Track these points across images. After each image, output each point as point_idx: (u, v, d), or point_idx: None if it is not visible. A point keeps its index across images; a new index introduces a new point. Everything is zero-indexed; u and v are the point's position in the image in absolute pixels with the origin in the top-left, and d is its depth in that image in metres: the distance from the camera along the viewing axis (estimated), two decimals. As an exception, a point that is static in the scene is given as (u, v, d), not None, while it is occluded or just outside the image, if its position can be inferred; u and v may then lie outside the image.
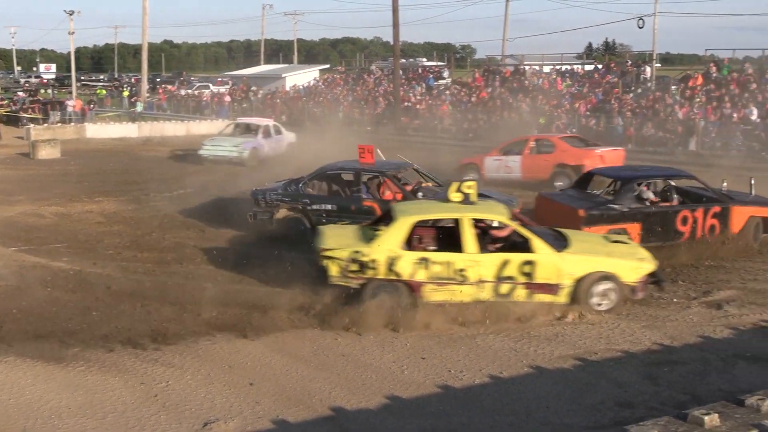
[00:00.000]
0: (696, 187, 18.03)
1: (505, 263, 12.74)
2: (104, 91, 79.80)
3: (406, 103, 46.27)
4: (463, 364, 10.79)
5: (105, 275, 15.22)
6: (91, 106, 59.01)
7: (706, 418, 6.11)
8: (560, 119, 38.61)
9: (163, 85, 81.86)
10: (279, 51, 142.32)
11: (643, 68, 43.69)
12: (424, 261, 12.74)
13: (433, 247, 13.50)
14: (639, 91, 40.56)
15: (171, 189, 25.70)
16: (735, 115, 33.24)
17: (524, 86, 44.99)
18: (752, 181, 18.57)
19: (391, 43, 46.32)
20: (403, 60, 65.34)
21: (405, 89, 48.86)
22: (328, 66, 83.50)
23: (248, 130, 35.08)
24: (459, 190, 13.75)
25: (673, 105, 36.19)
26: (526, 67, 48.92)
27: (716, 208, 17.07)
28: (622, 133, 35.18)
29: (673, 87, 39.13)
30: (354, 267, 12.81)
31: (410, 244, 13.15)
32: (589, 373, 10.44)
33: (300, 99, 54.93)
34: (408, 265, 12.71)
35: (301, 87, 59.20)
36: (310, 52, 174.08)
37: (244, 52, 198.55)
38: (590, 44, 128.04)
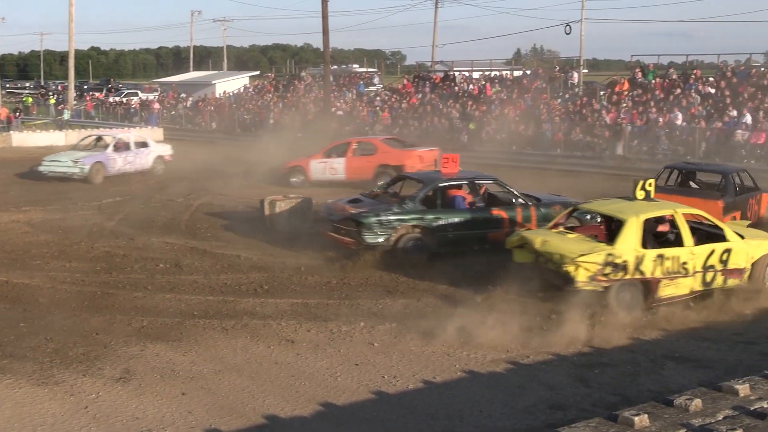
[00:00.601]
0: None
1: (711, 253, 13.70)
2: (31, 99, 78.52)
3: (338, 111, 46.27)
4: (396, 369, 10.82)
5: (33, 286, 14.97)
6: (17, 114, 58.01)
7: (636, 418, 6.20)
8: (490, 125, 38.91)
9: (91, 93, 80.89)
10: (208, 57, 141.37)
11: (570, 74, 44.23)
12: (660, 257, 13.29)
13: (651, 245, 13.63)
14: (567, 96, 41.05)
15: (100, 198, 25.38)
16: (660, 119, 33.82)
17: (454, 92, 45.27)
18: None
19: (321, 49, 46.26)
20: (336, 66, 65.35)
21: (335, 95, 48.84)
22: (258, 73, 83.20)
23: (100, 142, 32.38)
24: (643, 188, 14.45)
25: (600, 110, 36.70)
26: (456, 73, 49.19)
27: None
28: (550, 138, 35.60)
29: (601, 92, 39.69)
30: (608, 270, 12.97)
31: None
32: (521, 377, 10.53)
33: (229, 106, 54.58)
34: (650, 263, 13.19)
35: (231, 94, 58.85)
36: (240, 59, 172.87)
37: (173, 58, 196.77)
38: (519, 50, 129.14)
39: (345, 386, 10.27)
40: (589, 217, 16.50)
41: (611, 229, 14.49)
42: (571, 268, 12.92)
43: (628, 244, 13.14)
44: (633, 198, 14.40)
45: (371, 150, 28.39)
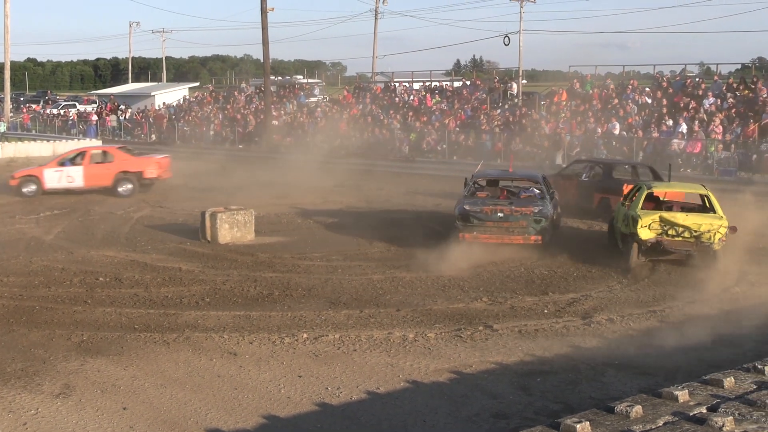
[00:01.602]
0: None
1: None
2: (-36, 112, 77.29)
3: (275, 122, 46.17)
4: (339, 380, 10.80)
5: (-31, 301, 14.73)
6: (-48, 126, 57.11)
7: (578, 426, 6.26)
8: (430, 135, 39.08)
9: (28, 105, 79.86)
10: (147, 69, 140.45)
11: (509, 84, 44.59)
12: None
13: None
14: (506, 107, 41.37)
15: (37, 211, 25.05)
16: (599, 129, 34.23)
17: (395, 103, 45.41)
18: None
19: (262, 60, 46.18)
20: (280, 77, 65.24)
21: (276, 106, 48.74)
22: (197, 84, 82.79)
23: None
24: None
25: (539, 120, 37.06)
26: (396, 84, 49.36)
27: None
28: (491, 148, 35.85)
29: (540, 102, 40.08)
30: (725, 232, 17.00)
31: None
32: (464, 386, 10.57)
33: (166, 117, 54.20)
34: None
35: (172, 105, 58.47)
36: (179, 70, 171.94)
37: (111, 70, 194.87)
38: (458, 61, 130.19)
39: (288, 398, 10.23)
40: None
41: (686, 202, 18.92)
42: (710, 235, 16.73)
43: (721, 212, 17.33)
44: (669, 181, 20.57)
45: (108, 158, 30.00)
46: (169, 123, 52.99)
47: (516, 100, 42.49)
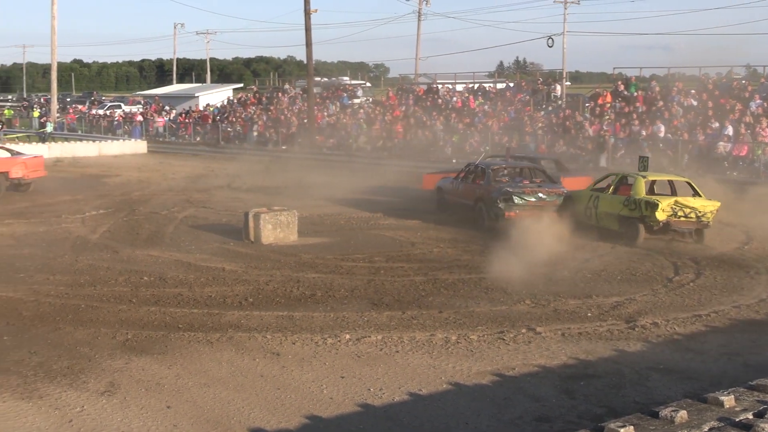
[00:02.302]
0: None
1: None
2: (11, 112, 78.30)
3: (326, 122, 46.32)
4: (382, 381, 10.80)
5: (16, 299, 14.90)
6: (0, 126, 57.87)
7: (622, 430, 6.21)
8: (473, 137, 39.01)
9: (74, 105, 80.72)
10: (192, 70, 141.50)
11: (553, 86, 44.43)
12: None
13: None
14: (550, 108, 41.20)
15: (83, 210, 25.30)
16: (643, 131, 33.98)
17: (437, 104, 45.37)
18: None
19: (305, 62, 46.33)
20: (326, 79, 65.46)
21: (319, 108, 48.88)
22: (241, 85, 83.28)
23: None
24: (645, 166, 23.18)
25: (583, 122, 36.85)
26: (439, 86, 49.31)
27: None
28: (534, 150, 35.69)
29: (584, 104, 39.87)
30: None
31: None
32: (507, 389, 10.52)
33: (212, 118, 54.55)
34: None
35: (216, 106, 58.84)
36: (223, 72, 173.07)
37: (156, 71, 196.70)
38: (501, 63, 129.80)
39: (331, 399, 10.25)
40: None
41: (672, 187, 21.37)
42: (709, 215, 19.97)
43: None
44: (645, 170, 22.63)
45: None
46: (213, 124, 53.33)
47: (560, 102, 42.34)
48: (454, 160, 35.07)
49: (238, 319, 13.63)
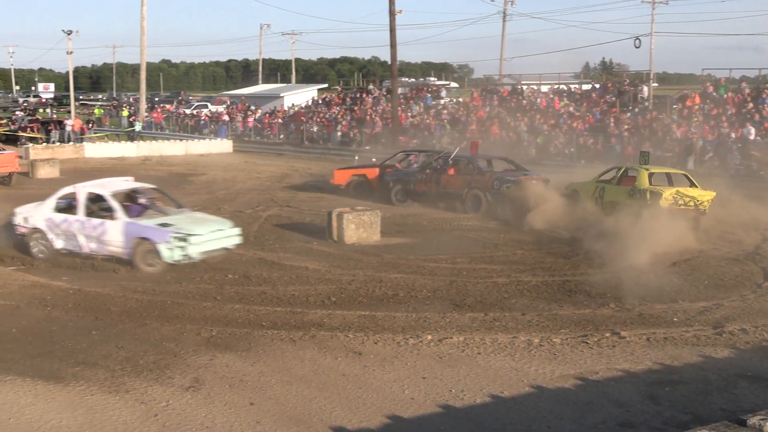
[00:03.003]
0: None
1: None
2: (101, 111, 79.90)
3: (409, 122, 46.34)
4: (464, 383, 10.77)
5: (104, 295, 15.21)
6: (90, 125, 59.06)
7: (709, 438, 6.10)
8: (558, 138, 38.68)
9: (162, 105, 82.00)
10: (277, 70, 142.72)
11: (640, 87, 43.77)
12: None
13: None
14: (636, 110, 40.64)
15: (170, 208, 25.65)
16: (732, 134, 33.32)
17: (522, 105, 45.08)
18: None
19: (389, 62, 46.39)
20: (412, 79, 65.49)
21: (403, 108, 48.92)
22: (326, 85, 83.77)
23: None
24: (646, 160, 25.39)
25: (670, 124, 36.28)
26: (524, 87, 48.99)
27: None
28: (620, 152, 35.26)
29: (672, 106, 39.25)
30: None
31: None
32: (590, 393, 10.41)
33: (302, 116, 54.99)
34: None
35: (301, 106, 59.28)
36: (308, 72, 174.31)
37: (242, 71, 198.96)
38: (587, 64, 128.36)
39: (412, 399, 10.25)
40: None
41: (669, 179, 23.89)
42: (706, 204, 21.84)
43: None
44: (646, 164, 24.69)
45: None
46: (297, 124, 53.74)
47: (646, 104, 41.68)
48: (373, 159, 36.48)
49: (320, 317, 13.71)
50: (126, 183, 19.93)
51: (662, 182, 23.63)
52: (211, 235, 17.62)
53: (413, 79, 65.55)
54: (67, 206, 18.59)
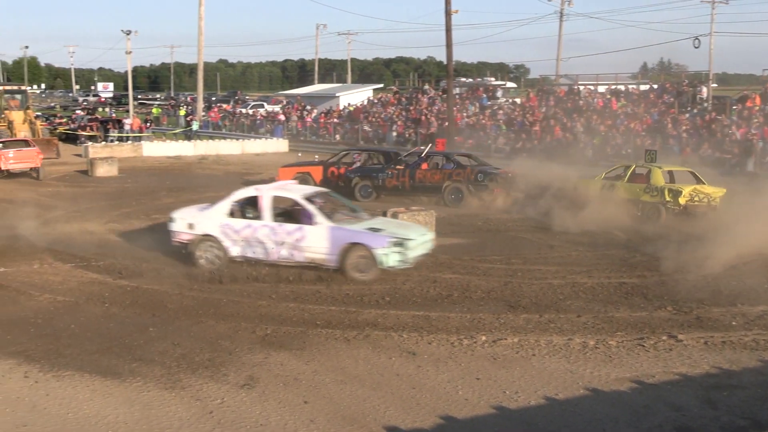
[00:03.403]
0: None
1: None
2: (159, 110, 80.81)
3: (465, 122, 46.24)
4: (518, 385, 10.72)
5: (162, 292, 15.37)
6: (148, 124, 59.73)
7: (769, 443, 6.01)
8: (615, 139, 38.36)
9: (219, 104, 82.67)
10: (333, 70, 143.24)
11: (699, 88, 43.30)
12: None
13: None
14: (695, 111, 40.17)
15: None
16: (794, 135, 32.82)
17: (578, 106, 44.79)
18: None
19: (445, 62, 46.29)
20: (470, 79, 65.36)
21: (458, 109, 48.84)
22: (381, 85, 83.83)
23: None
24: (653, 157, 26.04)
25: (730, 125, 35.81)
26: (581, 87, 48.68)
27: None
28: (678, 153, 34.89)
29: (732, 107, 38.75)
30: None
31: None
32: (646, 396, 10.31)
33: (359, 114, 55.10)
34: None
35: (356, 106, 59.41)
36: (363, 72, 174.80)
37: (298, 71, 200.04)
38: (645, 64, 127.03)
39: (466, 400, 10.22)
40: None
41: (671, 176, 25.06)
42: (717, 200, 23.17)
43: None
44: (653, 162, 25.40)
45: None
46: (352, 124, 53.87)
47: (705, 105, 41.22)
48: (316, 156, 38.77)
49: (375, 317, 13.73)
50: (306, 187, 19.82)
51: (671, 179, 24.96)
52: (420, 239, 17.11)
53: (471, 79, 65.35)
54: (245, 210, 17.66)
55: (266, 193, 17.42)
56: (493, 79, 64.32)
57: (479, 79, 66.25)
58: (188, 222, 17.68)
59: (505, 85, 59.46)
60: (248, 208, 17.58)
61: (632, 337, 12.64)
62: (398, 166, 28.53)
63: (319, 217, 16.80)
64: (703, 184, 23.87)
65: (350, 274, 16.28)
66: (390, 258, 16.17)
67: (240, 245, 17.16)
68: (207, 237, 17.37)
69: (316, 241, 16.60)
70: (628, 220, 22.43)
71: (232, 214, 17.45)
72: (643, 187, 24.31)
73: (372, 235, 16.48)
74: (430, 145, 32.56)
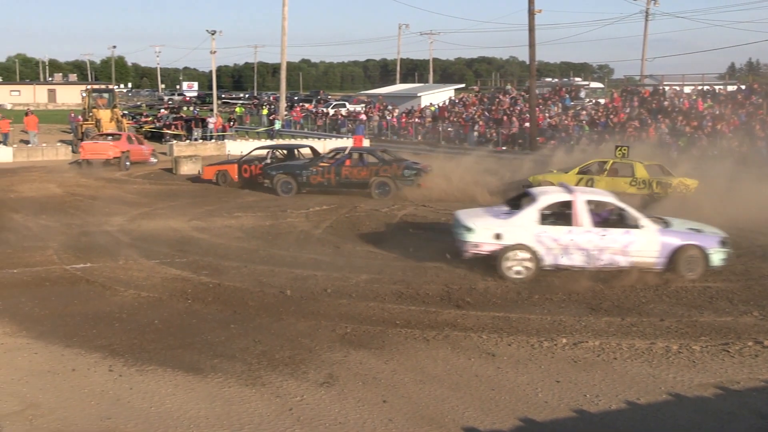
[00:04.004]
0: None
1: None
2: (242, 109, 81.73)
3: (547, 123, 45.90)
4: (599, 388, 10.61)
5: (243, 289, 15.53)
6: (231, 123, 60.40)
7: None
8: (701, 141, 37.73)
9: (301, 104, 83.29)
10: (414, 70, 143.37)
11: (789, 89, 42.36)
12: None
13: None
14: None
15: (307, 205, 26.03)
16: None
17: (663, 107, 44.14)
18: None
19: (527, 62, 46.03)
20: (557, 80, 64.86)
21: (541, 109, 48.48)
22: (463, 85, 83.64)
23: None
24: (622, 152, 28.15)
25: (821, 127, 34.99)
26: (666, 88, 47.97)
27: None
28: (766, 155, 34.17)
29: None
30: None
31: None
32: (730, 403, 10.12)
33: (444, 113, 55.02)
34: None
35: (438, 106, 59.35)
36: (445, 72, 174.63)
37: (380, 71, 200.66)
38: (733, 64, 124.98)
39: (546, 402, 10.15)
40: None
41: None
42: (693, 190, 25.19)
43: None
44: (625, 157, 27.70)
45: None
46: (434, 123, 53.81)
47: (795, 106, 40.31)
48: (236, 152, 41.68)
49: (454, 318, 13.70)
50: (595, 189, 20.21)
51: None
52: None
53: (556, 79, 64.88)
54: (555, 216, 17.05)
55: (580, 197, 16.90)
56: (579, 79, 63.69)
57: (565, 80, 65.64)
58: (495, 232, 16.62)
59: (588, 85, 58.86)
60: (559, 213, 17.13)
61: (717, 342, 12.42)
62: (322, 163, 29.63)
63: (644, 221, 16.69)
64: (671, 175, 26.33)
65: (682, 275, 16.30)
66: (717, 257, 16.37)
67: (554, 253, 16.48)
68: (518, 247, 16.52)
69: (645, 245, 16.41)
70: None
71: (542, 221, 16.74)
72: (629, 180, 26.11)
73: (703, 236, 16.65)
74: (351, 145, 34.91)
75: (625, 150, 28.32)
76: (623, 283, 15.88)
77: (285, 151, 33.90)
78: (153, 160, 40.62)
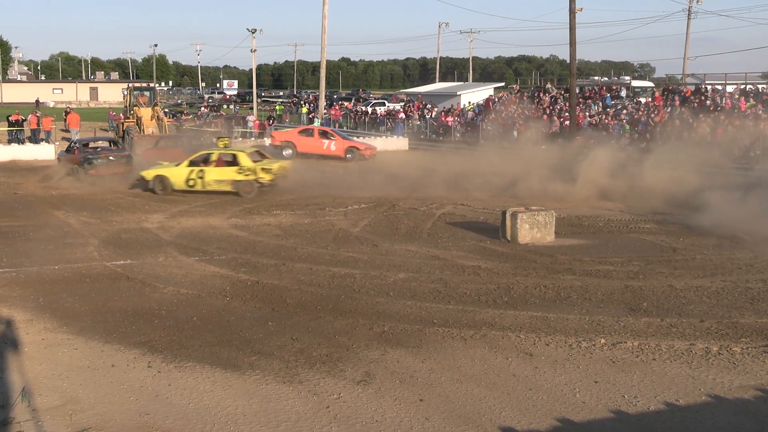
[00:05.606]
0: None
1: None
2: (282, 107, 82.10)
3: (587, 122, 45.64)
4: (637, 389, 10.53)
5: (281, 287, 15.60)
6: (271, 121, 60.64)
7: None
8: (743, 140, 37.35)
9: (340, 102, 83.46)
10: (454, 69, 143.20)
11: (833, 88, 41.84)
12: None
13: None
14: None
15: (346, 204, 26.09)
16: None
17: (705, 106, 43.75)
18: None
19: (568, 61, 45.77)
20: (605, 78, 64.49)
21: (581, 108, 48.22)
22: (503, 84, 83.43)
23: None
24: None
25: None
26: (708, 86, 47.54)
27: None
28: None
29: None
30: None
31: None
32: (772, 406, 10.02)
33: (490, 105, 54.88)
34: None
35: (477, 105, 59.20)
36: (485, 70, 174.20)
37: (419, 69, 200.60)
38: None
39: (583, 403, 10.09)
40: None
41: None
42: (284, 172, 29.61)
43: None
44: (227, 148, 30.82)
45: None
46: (473, 122, 53.70)
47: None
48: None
49: (492, 317, 13.66)
50: None
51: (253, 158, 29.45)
52: None
53: (605, 78, 64.46)
54: None
55: None
56: (627, 77, 63.26)
57: (612, 78, 65.22)
58: None
59: (629, 84, 58.44)
60: None
61: (758, 344, 12.28)
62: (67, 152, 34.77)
63: None
64: (269, 159, 30.48)
65: None
66: None
67: None
68: None
69: None
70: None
71: None
72: (236, 169, 28.63)
73: None
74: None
75: (227, 141, 32.10)
76: None
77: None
78: None
